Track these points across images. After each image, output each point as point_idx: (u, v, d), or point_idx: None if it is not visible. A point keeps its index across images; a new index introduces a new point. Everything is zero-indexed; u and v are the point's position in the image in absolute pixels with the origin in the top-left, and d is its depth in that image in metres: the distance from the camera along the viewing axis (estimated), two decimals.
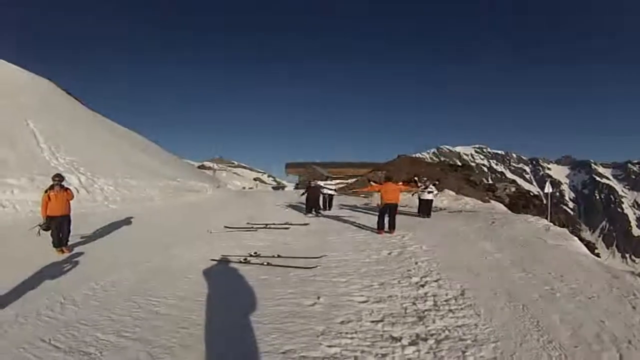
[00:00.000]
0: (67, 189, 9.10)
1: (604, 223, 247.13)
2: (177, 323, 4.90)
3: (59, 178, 8.94)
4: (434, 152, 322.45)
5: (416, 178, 15.31)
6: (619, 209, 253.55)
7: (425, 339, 4.46)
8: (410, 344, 4.35)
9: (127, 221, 12.86)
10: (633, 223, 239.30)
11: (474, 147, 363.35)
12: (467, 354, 4.17)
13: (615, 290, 6.09)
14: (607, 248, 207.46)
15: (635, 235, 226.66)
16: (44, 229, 8.62)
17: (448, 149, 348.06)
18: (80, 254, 8.62)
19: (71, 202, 9.14)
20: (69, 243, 9.02)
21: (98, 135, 26.35)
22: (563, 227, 14.08)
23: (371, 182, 25.86)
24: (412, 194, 16.90)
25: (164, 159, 31.64)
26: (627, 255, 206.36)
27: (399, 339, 4.46)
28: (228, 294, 6.10)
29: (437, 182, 17.30)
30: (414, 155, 51.83)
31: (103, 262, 7.88)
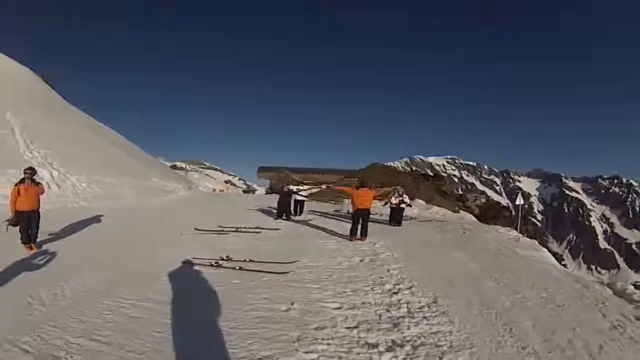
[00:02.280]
0: (38, 183, 8.86)
1: (571, 235, 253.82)
2: (150, 327, 4.76)
3: (30, 171, 8.65)
4: (406, 162, 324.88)
5: (381, 186, 15.14)
6: (586, 222, 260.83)
7: (402, 345, 4.48)
8: (387, 350, 4.36)
9: (98, 219, 12.54)
10: (600, 236, 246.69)
11: (446, 158, 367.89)
12: (444, 359, 4.21)
13: (585, 299, 6.31)
14: (574, 260, 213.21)
15: (602, 247, 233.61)
16: (12, 225, 8.35)
17: (420, 159, 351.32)
18: (48, 251, 8.32)
19: (41, 197, 8.90)
20: (38, 240, 8.73)
21: (74, 129, 25.84)
22: (531, 238, 14.43)
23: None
24: (385, 204, 16.94)
25: (138, 157, 31.24)
26: (593, 267, 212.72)
27: (376, 345, 4.47)
28: (201, 298, 6.00)
29: (413, 193, 17.40)
30: (386, 164, 52.27)
31: (72, 261, 7.62)
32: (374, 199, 11.93)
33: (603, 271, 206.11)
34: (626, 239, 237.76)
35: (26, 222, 8.37)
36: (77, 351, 4.12)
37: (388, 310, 5.58)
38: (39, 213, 8.75)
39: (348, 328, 4.92)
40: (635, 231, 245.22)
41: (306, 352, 4.25)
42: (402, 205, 15.48)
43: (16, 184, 8.47)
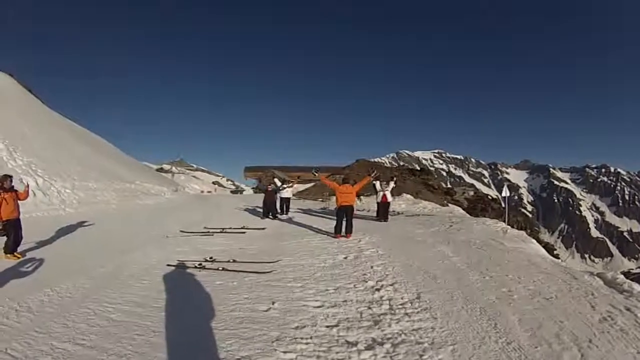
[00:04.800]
0: (16, 190, 8.80)
1: (562, 225, 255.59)
2: (132, 330, 4.79)
3: (8, 179, 8.59)
4: (393, 157, 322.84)
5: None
6: (577, 212, 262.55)
7: (382, 343, 4.42)
8: (367, 349, 4.31)
9: (83, 225, 12.51)
10: (592, 225, 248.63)
11: (433, 152, 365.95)
12: (424, 357, 4.13)
13: (574, 290, 6.14)
14: (567, 249, 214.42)
15: (594, 236, 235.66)
16: (1, 235, 8.32)
17: (407, 154, 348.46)
18: (35, 258, 8.32)
19: (22, 203, 8.86)
20: (22, 248, 8.69)
21: (57, 135, 25.72)
22: (521, 229, 14.40)
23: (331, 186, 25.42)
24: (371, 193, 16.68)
25: (123, 161, 31.22)
26: (587, 256, 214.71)
27: (355, 344, 4.41)
28: (183, 300, 5.99)
29: (394, 178, 17.08)
30: (372, 160, 52.04)
31: (58, 268, 7.62)
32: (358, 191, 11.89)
33: (596, 259, 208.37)
34: (618, 227, 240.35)
35: (13, 230, 8.35)
36: (63, 356, 4.17)
37: (370, 308, 5.52)
38: (20, 220, 8.71)
39: (328, 327, 4.88)
40: (626, 219, 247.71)
41: (285, 352, 4.22)
42: (388, 198, 15.39)
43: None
